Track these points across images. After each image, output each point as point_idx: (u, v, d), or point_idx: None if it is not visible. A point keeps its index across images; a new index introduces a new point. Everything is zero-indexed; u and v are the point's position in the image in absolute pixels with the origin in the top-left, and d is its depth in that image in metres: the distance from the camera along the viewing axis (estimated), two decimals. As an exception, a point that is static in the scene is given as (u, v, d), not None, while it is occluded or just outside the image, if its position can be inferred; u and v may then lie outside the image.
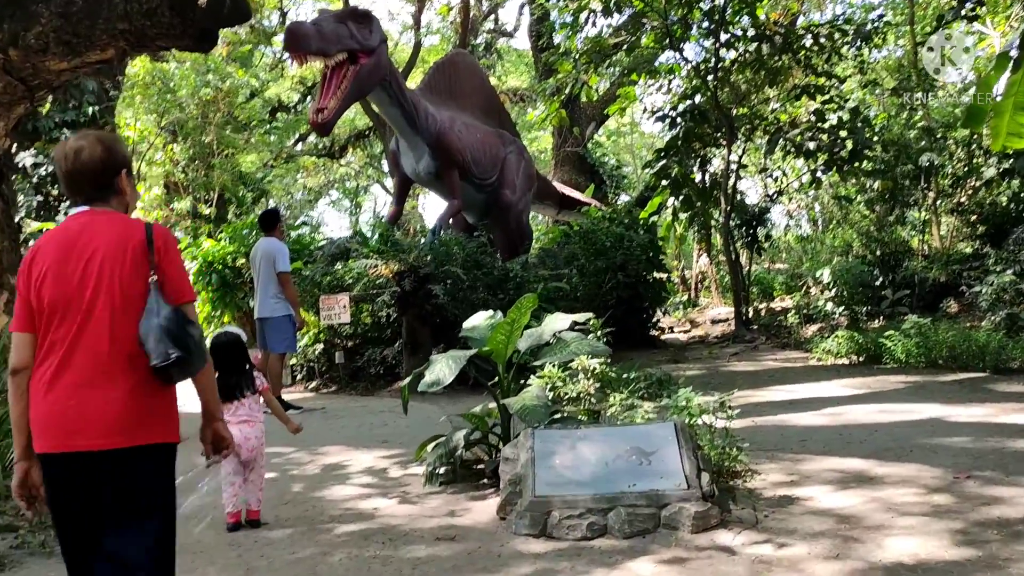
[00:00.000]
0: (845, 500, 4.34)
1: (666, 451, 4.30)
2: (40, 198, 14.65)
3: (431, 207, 33.89)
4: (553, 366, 5.52)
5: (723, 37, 12.28)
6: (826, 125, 12.41)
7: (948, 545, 3.58)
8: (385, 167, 25.90)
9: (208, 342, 4.35)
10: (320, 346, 9.94)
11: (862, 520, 3.98)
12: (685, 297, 17.85)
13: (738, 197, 13.56)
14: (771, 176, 14.62)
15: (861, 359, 9.59)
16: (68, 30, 6.22)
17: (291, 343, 8.49)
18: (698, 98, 12.83)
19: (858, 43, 12.19)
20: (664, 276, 12.68)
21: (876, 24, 12.59)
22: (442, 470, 5.10)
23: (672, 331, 13.24)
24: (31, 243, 7.41)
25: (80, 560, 2.42)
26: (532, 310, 5.01)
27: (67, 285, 2.41)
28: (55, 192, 14.46)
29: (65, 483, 2.38)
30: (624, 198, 18.83)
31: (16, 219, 14.26)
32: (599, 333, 5.94)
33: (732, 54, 12.66)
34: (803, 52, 12.21)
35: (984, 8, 11.68)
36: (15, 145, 8.08)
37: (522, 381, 5.68)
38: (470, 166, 10.80)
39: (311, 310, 9.60)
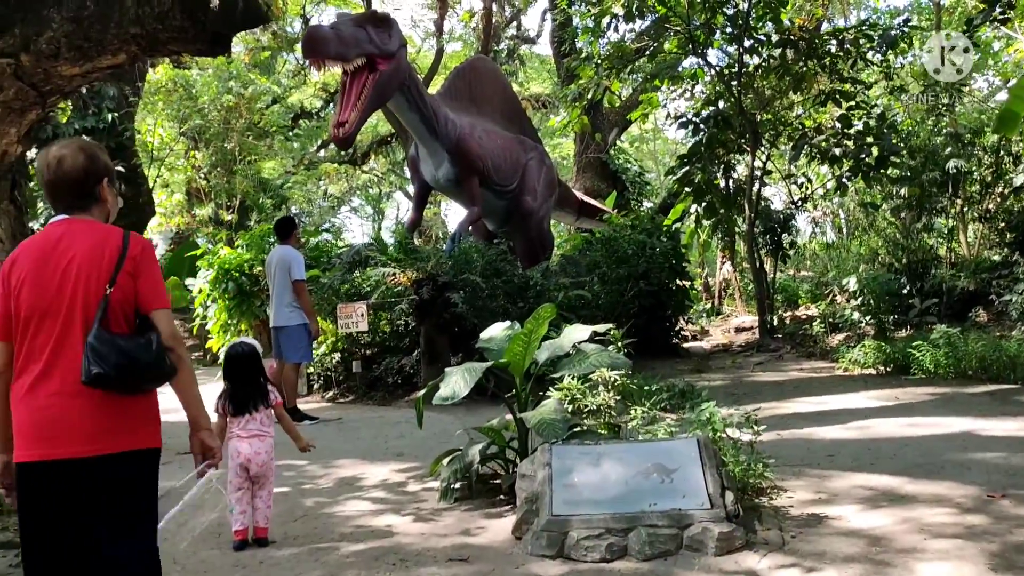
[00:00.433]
0: (875, 520, 4.16)
1: (689, 468, 4.14)
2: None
3: (453, 214, 33.87)
4: (572, 378, 5.38)
5: (747, 43, 12.09)
6: (852, 131, 12.19)
7: (984, 570, 3.41)
8: (407, 173, 25.91)
9: (223, 352, 4.25)
10: (338, 355, 9.85)
11: (893, 542, 3.81)
12: (708, 305, 17.62)
13: (762, 204, 13.36)
14: (796, 183, 14.39)
15: (888, 369, 9.36)
16: (80, 35, 6.17)
17: (306, 352, 8.40)
18: (721, 104, 12.66)
19: (884, 48, 11.96)
20: (687, 284, 12.50)
21: (902, 29, 12.35)
22: (457, 485, 4.97)
23: (695, 339, 13.04)
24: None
25: (49, 569, 2.43)
26: (550, 320, 4.88)
27: (45, 293, 2.44)
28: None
29: (46, 491, 2.40)
30: (647, 205, 18.65)
31: (36, 226, 14.35)
32: (620, 344, 5.78)
33: (756, 59, 12.48)
34: (828, 58, 12.01)
35: (1014, 12, 11.41)
36: (30, 151, 8.06)
37: (541, 393, 5.55)
38: (490, 172, 10.68)
39: (328, 318, 9.52)
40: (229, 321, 10.28)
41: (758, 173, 12.86)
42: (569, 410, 5.62)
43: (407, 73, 9.52)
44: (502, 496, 4.89)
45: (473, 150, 10.29)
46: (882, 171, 12.24)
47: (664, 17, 12.28)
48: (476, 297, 8.76)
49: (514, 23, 26.22)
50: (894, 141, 12.22)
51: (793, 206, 14.20)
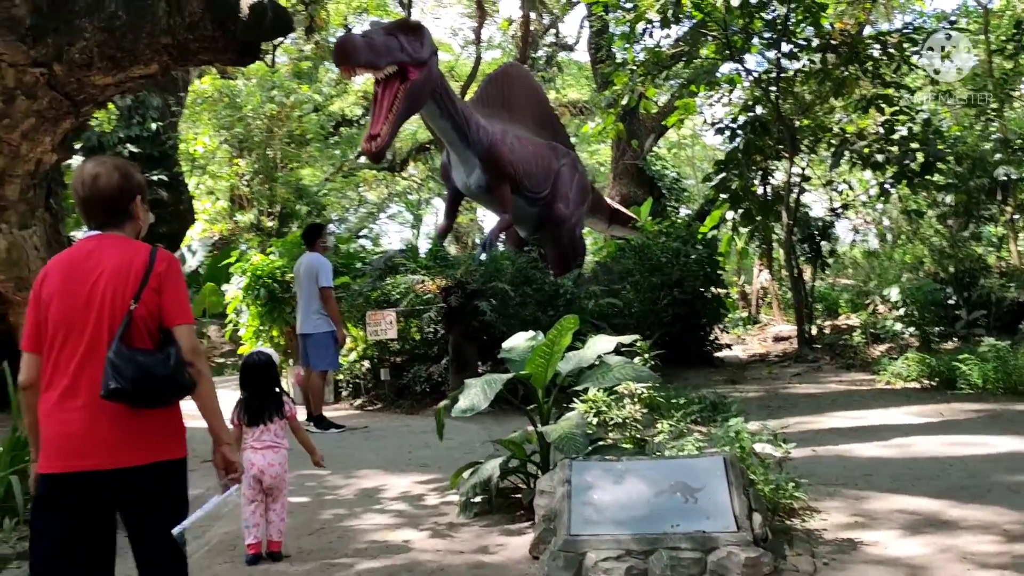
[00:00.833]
0: (915, 547, 3.95)
1: (714, 488, 3.96)
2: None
3: (489, 220, 33.84)
4: (598, 390, 5.24)
5: (785, 47, 11.84)
6: (895, 136, 11.85)
7: (1032, 605, 3.19)
8: (446, 180, 25.94)
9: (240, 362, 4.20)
10: (367, 363, 9.80)
11: (934, 572, 3.61)
12: (745, 314, 17.29)
13: (801, 210, 13.06)
14: (836, 189, 14.04)
15: (933, 383, 9.02)
16: (112, 44, 6.21)
17: (333, 360, 8.36)
18: (759, 109, 12.41)
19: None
20: (722, 292, 12.25)
21: (948, 32, 11.98)
22: (477, 500, 4.85)
23: (731, 349, 12.78)
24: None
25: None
26: (574, 330, 4.75)
27: (73, 307, 2.49)
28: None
29: (70, 502, 2.43)
30: (685, 212, 18.40)
31: (79, 234, 14.59)
32: (647, 355, 5.62)
33: (795, 64, 12.21)
34: (870, 62, 11.70)
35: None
36: (66, 160, 8.16)
37: (565, 405, 5.42)
38: (522, 179, 10.58)
39: (359, 324, 9.48)
40: (261, 327, 10.30)
41: (796, 179, 12.58)
42: (594, 423, 5.49)
43: (438, 80, 9.48)
44: (522, 512, 4.76)
45: (504, 157, 10.21)
46: (927, 177, 11.89)
47: (701, 22, 12.10)
48: (506, 305, 8.65)
49: (552, 30, 26.16)
50: (940, 147, 11.85)
51: (833, 213, 13.87)
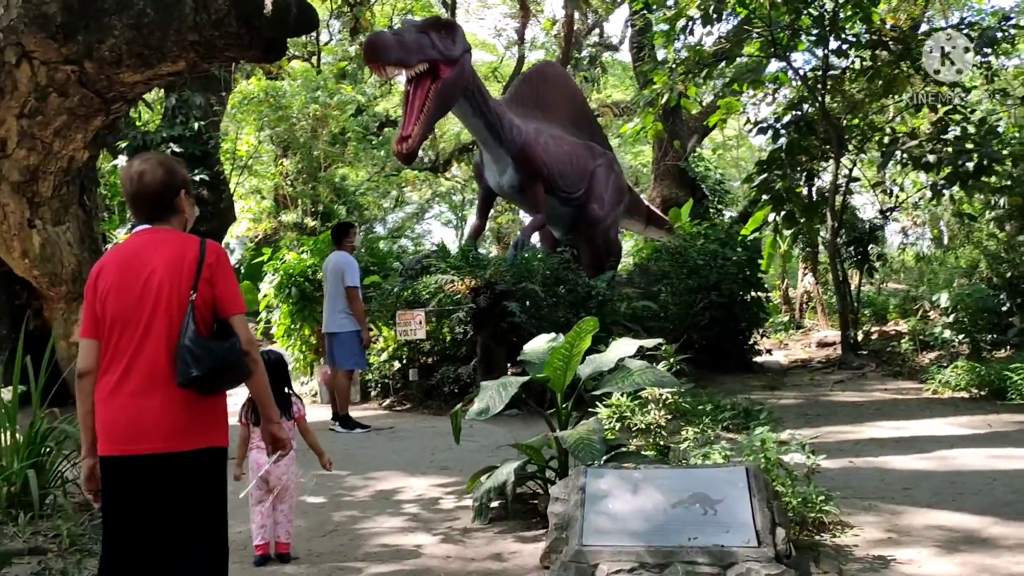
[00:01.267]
0: (950, 567, 3.72)
1: (735, 500, 3.77)
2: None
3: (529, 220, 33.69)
4: (621, 395, 5.07)
5: (833, 44, 11.47)
6: (949, 136, 11.40)
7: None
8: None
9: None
10: (397, 363, 9.74)
11: (969, 595, 3.37)
12: (787, 318, 16.87)
13: (848, 212, 12.66)
14: (886, 191, 13.58)
15: (982, 393, 8.64)
16: (140, 42, 6.25)
17: (359, 360, 8.29)
18: (806, 108, 12.04)
19: (985, 50, 11.13)
20: (763, 296, 11.93)
21: (1008, 30, 11.48)
22: (493, 505, 4.72)
23: (771, 354, 12.44)
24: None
25: (125, 561, 2.56)
26: (594, 332, 4.58)
27: (128, 300, 2.60)
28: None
29: (128, 486, 2.56)
30: (728, 214, 18.04)
31: (122, 232, 14.82)
32: (672, 360, 5.43)
33: (844, 62, 11.83)
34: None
35: None
36: (99, 157, 8.24)
37: (587, 409, 5.26)
38: (555, 179, 10.42)
39: (389, 324, 9.43)
40: (292, 326, 10.32)
41: (842, 181, 12.19)
42: (617, 428, 5.32)
43: (470, 78, 9.37)
44: (538, 519, 4.61)
45: (538, 156, 10.06)
46: (982, 179, 11.42)
47: (745, 19, 11.79)
48: (536, 306, 8.51)
49: (596, 30, 25.94)
50: (996, 147, 11.37)
51: (882, 215, 13.42)
